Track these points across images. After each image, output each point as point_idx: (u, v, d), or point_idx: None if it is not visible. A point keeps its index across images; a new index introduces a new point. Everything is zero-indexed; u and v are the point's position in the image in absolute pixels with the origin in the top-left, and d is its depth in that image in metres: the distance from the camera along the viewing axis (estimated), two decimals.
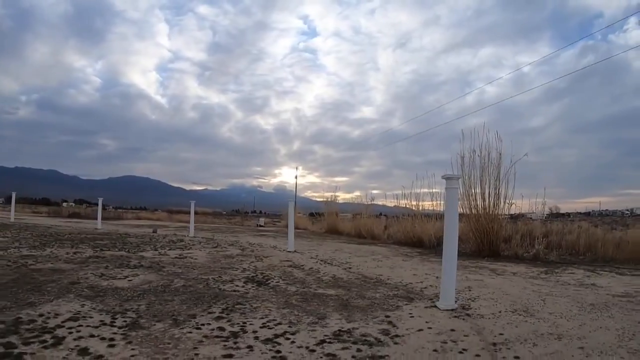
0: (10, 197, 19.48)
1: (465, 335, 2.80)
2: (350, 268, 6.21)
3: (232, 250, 8.08)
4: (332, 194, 21.19)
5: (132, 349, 2.33)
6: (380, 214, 18.54)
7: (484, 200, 8.91)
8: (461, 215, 9.41)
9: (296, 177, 49.94)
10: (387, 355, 2.37)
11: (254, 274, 5.15)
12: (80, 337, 2.50)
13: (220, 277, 4.85)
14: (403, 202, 13.92)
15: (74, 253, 6.36)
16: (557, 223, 13.69)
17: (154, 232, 13.75)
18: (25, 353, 2.22)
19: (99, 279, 4.34)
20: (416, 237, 11.39)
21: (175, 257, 6.44)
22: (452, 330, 2.93)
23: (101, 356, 2.22)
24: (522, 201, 9.76)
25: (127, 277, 4.56)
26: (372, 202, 18.22)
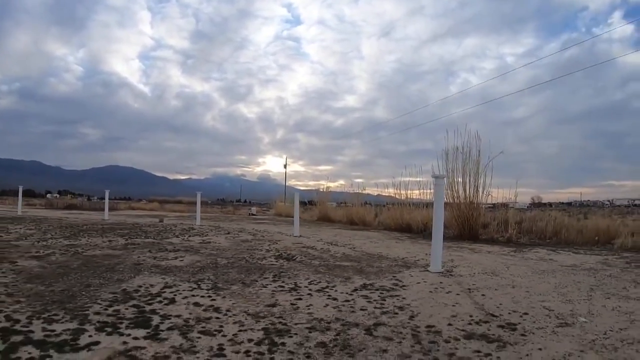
0: None
1: (449, 285, 4.10)
2: (354, 248, 7.43)
3: (244, 236, 9.15)
4: (324, 183, 22.29)
5: (230, 300, 3.34)
6: (366, 203, 19.42)
7: (465, 191, 10.23)
8: (445, 204, 10.72)
9: (285, 167, 50.95)
10: (400, 294, 3.62)
11: (279, 253, 6.29)
12: (185, 297, 3.38)
13: (252, 256, 5.94)
14: (391, 191, 15.14)
15: (109, 241, 7.14)
16: (533, 212, 15.13)
17: (161, 221, 14.63)
18: (154, 310, 2.95)
19: (155, 261, 5.20)
20: (405, 223, 12.67)
21: (201, 243, 7.44)
22: (440, 282, 4.23)
23: (212, 305, 3.15)
24: (499, 191, 11.12)
25: (176, 258, 5.50)
26: (363, 192, 19.40)
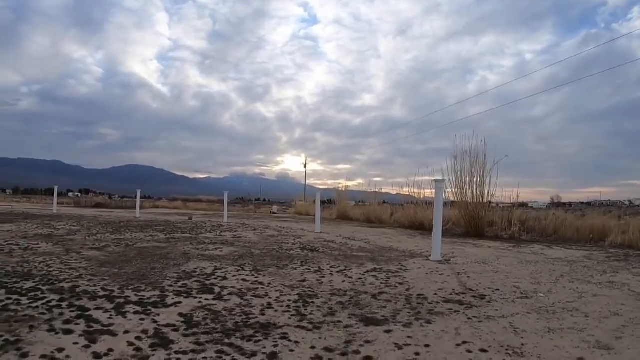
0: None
1: (444, 270, 5.08)
2: (369, 242, 8.41)
3: (271, 232, 10.14)
4: (343, 182, 23.17)
5: (269, 278, 4.34)
6: (384, 202, 20.20)
7: (472, 191, 11.09)
8: (454, 203, 11.65)
9: (305, 166, 52.19)
10: (402, 275, 4.61)
11: (303, 246, 7.28)
12: (234, 276, 4.36)
13: (280, 248, 6.93)
14: (406, 190, 15.95)
15: (151, 236, 7.98)
16: (539, 211, 15.77)
17: (190, 219, 15.61)
18: (213, 283, 3.89)
19: (199, 251, 6.09)
20: (418, 221, 13.53)
21: (233, 237, 8.42)
22: (437, 268, 5.21)
23: (256, 280, 4.16)
24: (517, 190, 11.94)
25: (216, 249, 6.41)
26: (381, 191, 20.25)
